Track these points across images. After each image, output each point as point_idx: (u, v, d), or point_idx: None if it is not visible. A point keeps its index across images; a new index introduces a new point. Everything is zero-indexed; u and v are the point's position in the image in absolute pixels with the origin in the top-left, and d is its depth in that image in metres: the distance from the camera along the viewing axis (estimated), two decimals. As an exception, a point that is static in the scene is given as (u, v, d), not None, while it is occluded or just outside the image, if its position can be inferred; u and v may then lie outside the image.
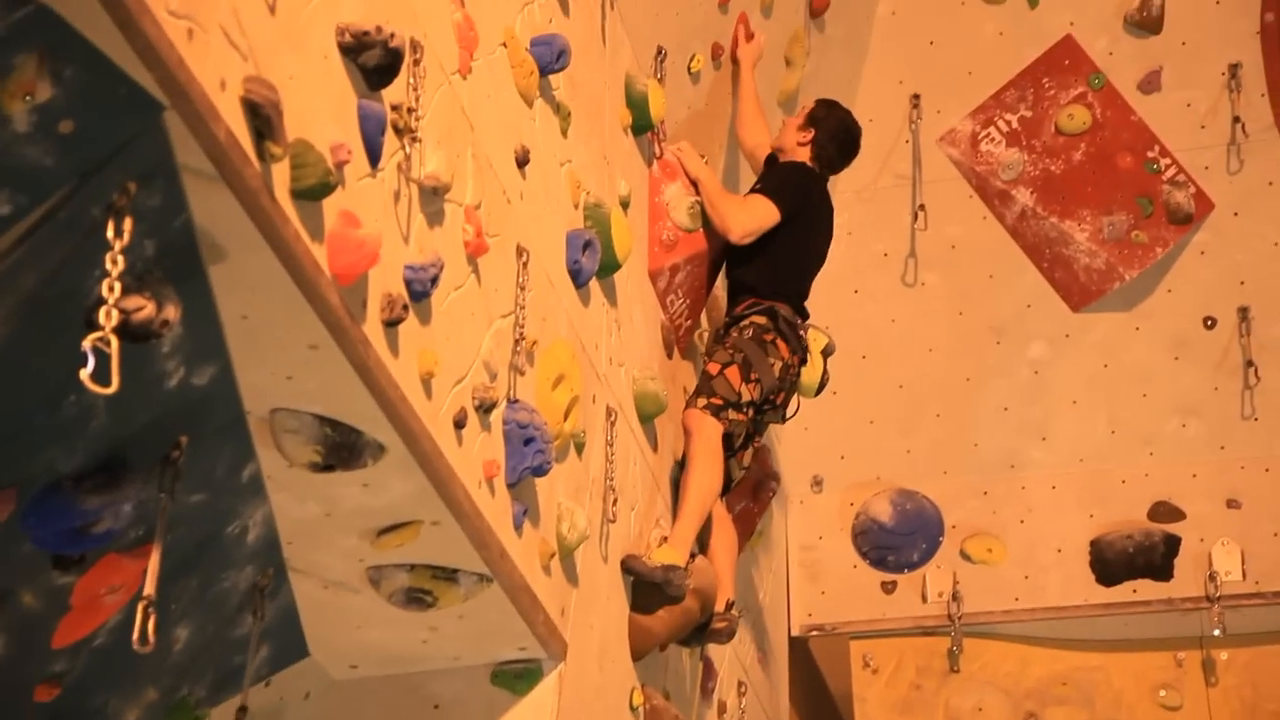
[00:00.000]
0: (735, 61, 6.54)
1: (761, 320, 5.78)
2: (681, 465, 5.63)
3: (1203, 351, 7.40)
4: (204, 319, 3.13)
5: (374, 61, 3.29)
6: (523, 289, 4.19)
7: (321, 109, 3.12)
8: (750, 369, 5.64)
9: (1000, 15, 7.60)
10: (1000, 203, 7.58)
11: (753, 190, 6.10)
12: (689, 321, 5.94)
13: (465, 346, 3.84)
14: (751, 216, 5.90)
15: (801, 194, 6.05)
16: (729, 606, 5.55)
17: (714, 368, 5.67)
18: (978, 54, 7.60)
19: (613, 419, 4.97)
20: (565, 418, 4.45)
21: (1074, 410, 7.49)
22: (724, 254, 6.01)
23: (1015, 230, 7.57)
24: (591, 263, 4.78)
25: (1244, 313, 7.37)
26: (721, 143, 6.61)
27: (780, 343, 5.75)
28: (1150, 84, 7.48)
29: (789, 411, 5.91)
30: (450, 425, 3.72)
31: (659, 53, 5.78)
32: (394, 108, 3.42)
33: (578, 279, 4.73)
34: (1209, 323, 7.42)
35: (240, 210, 2.87)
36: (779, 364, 5.72)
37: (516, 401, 4.10)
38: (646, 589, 5.08)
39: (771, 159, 6.26)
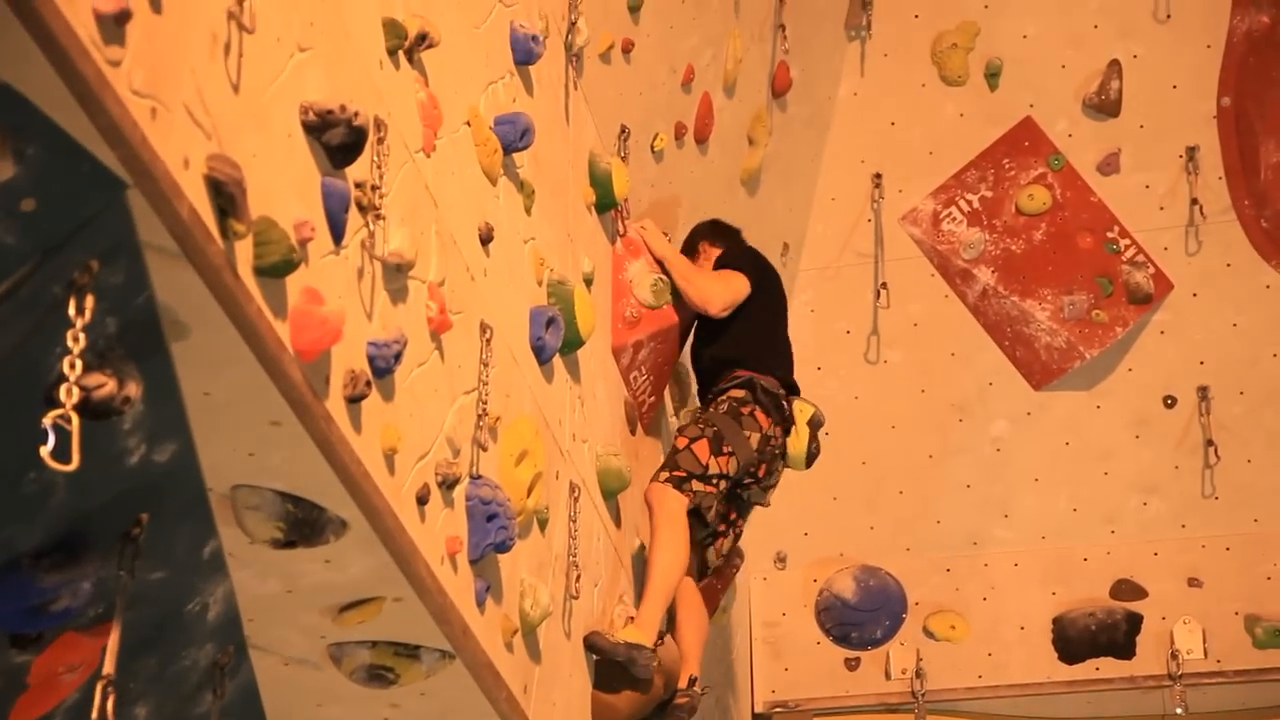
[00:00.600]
0: None
1: (739, 393, 5.76)
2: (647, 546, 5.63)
3: (1163, 430, 7.45)
4: (165, 396, 3.12)
5: (338, 140, 3.30)
6: (486, 365, 4.20)
7: (285, 187, 3.14)
8: (722, 442, 5.59)
9: (961, 96, 7.69)
10: (962, 281, 7.64)
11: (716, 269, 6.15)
12: (652, 398, 5.95)
13: (428, 423, 3.84)
14: (728, 288, 5.94)
15: (760, 264, 6.12)
16: (692, 683, 5.52)
17: (681, 441, 5.66)
18: (939, 134, 7.69)
19: (576, 495, 4.97)
20: (528, 494, 4.45)
21: (1036, 488, 7.52)
22: (692, 334, 6.04)
23: (977, 309, 7.63)
24: (555, 339, 4.80)
25: (1204, 392, 7.42)
26: (685, 221, 6.65)
27: (759, 414, 5.71)
28: (1109, 165, 7.57)
29: (773, 481, 5.84)
30: (413, 501, 3.72)
31: (622, 131, 5.82)
32: (358, 185, 3.44)
33: (541, 355, 4.74)
34: (1169, 402, 7.48)
35: (203, 287, 2.87)
36: (756, 435, 5.68)
37: (479, 477, 4.10)
38: (609, 666, 5.06)
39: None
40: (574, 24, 5.21)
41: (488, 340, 4.23)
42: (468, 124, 4.26)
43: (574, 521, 4.92)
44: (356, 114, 3.30)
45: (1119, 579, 7.36)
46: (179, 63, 2.76)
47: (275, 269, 3.03)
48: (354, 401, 3.39)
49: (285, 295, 3.10)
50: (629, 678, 5.07)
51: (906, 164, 7.70)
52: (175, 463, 3.27)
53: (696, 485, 5.52)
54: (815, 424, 5.89)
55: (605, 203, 5.56)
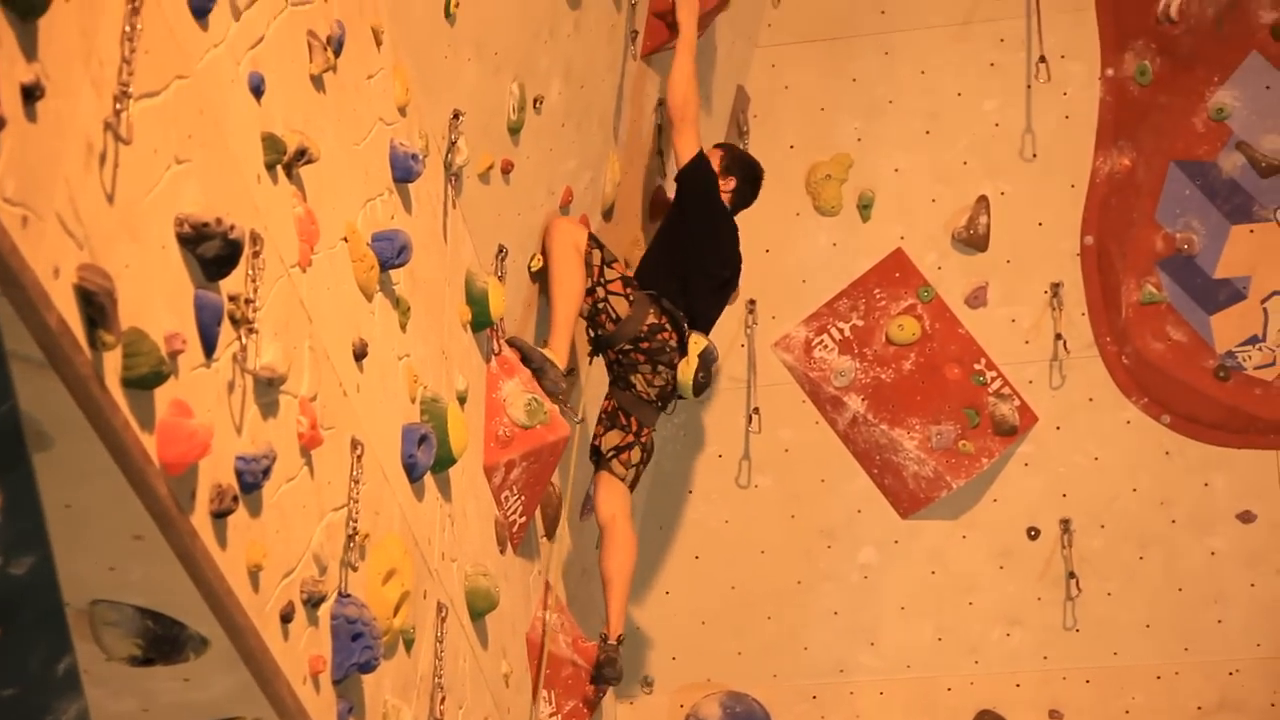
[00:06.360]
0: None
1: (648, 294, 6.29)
2: (537, 275, 6.16)
3: (1027, 561, 7.54)
4: (25, 507, 3.06)
5: (213, 252, 3.28)
6: (356, 482, 4.16)
7: (157, 298, 3.11)
8: (630, 284, 6.24)
9: (834, 226, 7.81)
10: (832, 408, 7.72)
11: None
12: (523, 518, 5.93)
13: (295, 539, 3.79)
14: (689, 130, 6.49)
15: (718, 205, 6.58)
16: (619, 641, 5.95)
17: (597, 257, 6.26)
18: (812, 263, 7.80)
19: (443, 615, 4.92)
20: (395, 613, 4.39)
21: (902, 616, 7.56)
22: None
23: (847, 436, 7.70)
24: (427, 457, 4.77)
25: (1066, 525, 7.54)
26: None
27: (654, 308, 6.24)
28: (977, 299, 7.71)
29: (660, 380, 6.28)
30: (277, 619, 3.66)
31: (500, 251, 5.85)
32: (232, 298, 3.42)
33: (412, 473, 4.71)
34: (1032, 533, 7.58)
35: (69, 398, 2.83)
36: (652, 317, 6.23)
37: (346, 596, 4.05)
38: None
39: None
40: (454, 143, 5.24)
41: (359, 457, 4.20)
42: (345, 240, 4.25)
43: (440, 642, 4.87)
44: (233, 227, 3.29)
45: (981, 710, 7.40)
46: (53, 171, 2.73)
47: (144, 380, 2.99)
48: (220, 516, 3.34)
49: (153, 407, 3.06)
50: None
51: (780, 291, 7.80)
52: (32, 576, 3.19)
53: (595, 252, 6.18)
54: (707, 356, 6.26)
55: (481, 321, 5.57)
